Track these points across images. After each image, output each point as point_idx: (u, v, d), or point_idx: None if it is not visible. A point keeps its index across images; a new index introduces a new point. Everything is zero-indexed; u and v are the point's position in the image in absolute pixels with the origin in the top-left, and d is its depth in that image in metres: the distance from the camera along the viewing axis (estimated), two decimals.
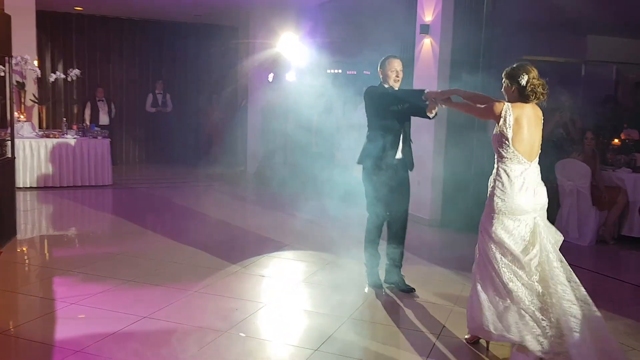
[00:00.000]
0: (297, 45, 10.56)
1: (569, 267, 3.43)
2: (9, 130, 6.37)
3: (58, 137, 9.52)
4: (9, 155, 6.13)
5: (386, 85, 4.68)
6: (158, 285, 4.73)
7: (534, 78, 3.46)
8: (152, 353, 3.49)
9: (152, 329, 3.87)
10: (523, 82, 3.45)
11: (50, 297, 4.46)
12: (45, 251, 6.13)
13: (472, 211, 7.18)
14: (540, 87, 3.46)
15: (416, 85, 7.78)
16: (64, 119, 10.49)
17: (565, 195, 7.00)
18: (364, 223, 4.83)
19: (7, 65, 6.45)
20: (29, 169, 9.23)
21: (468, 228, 7.02)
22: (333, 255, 5.76)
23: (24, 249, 5.98)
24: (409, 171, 4.77)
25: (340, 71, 11.39)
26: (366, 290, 4.75)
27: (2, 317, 4.02)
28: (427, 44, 7.54)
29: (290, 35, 10.60)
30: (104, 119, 12.18)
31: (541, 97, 3.49)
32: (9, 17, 6.03)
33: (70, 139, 9.56)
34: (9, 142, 6.14)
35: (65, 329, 3.83)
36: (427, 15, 7.49)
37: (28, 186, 9.11)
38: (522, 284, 3.37)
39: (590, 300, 3.33)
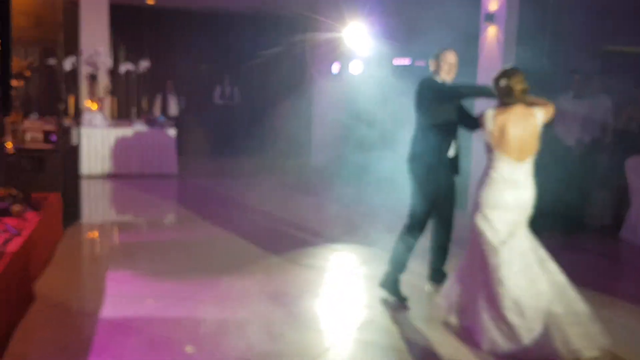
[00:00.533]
0: (364, 36, 10.45)
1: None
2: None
3: (126, 127, 9.87)
4: (74, 142, 6.39)
5: (439, 79, 4.48)
6: (209, 272, 4.80)
7: (516, 82, 3.60)
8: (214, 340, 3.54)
9: (206, 315, 3.93)
10: (502, 84, 3.63)
11: (102, 275, 4.62)
12: (104, 234, 6.35)
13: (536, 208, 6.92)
14: (519, 91, 3.60)
15: (480, 76, 7.53)
16: (134, 109, 10.86)
17: (636, 194, 6.57)
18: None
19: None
20: (100, 158, 9.62)
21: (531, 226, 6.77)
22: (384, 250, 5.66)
23: (85, 231, 6.23)
24: (456, 175, 4.55)
25: (408, 62, 11.21)
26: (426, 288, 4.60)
27: (59, 289, 4.20)
28: (491, 33, 7.26)
29: (356, 25, 10.50)
30: (173, 111, 12.56)
31: (519, 100, 3.62)
32: (76, 12, 6.23)
33: (138, 129, 9.90)
34: (74, 130, 6.40)
35: (115, 306, 3.95)
36: (492, 3, 7.21)
37: (99, 173, 9.50)
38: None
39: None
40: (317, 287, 4.64)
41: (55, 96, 6.05)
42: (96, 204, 7.74)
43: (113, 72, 11.19)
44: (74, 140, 6.34)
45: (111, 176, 9.54)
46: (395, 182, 7.24)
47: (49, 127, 5.87)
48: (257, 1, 11.81)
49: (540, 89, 6.53)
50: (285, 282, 4.67)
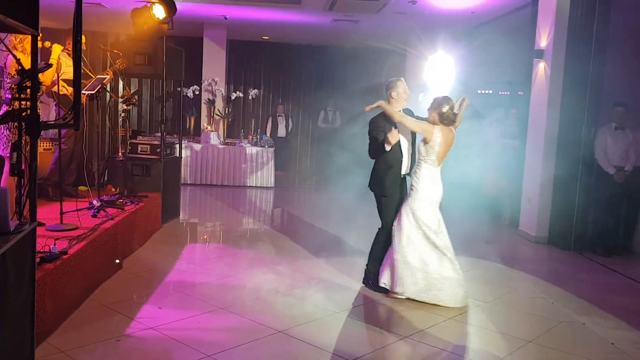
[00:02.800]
0: (449, 66, 11.26)
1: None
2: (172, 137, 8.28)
3: (234, 145, 11.56)
4: (177, 155, 8.04)
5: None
6: (275, 256, 6.06)
7: (450, 109, 4.69)
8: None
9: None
10: (444, 110, 4.70)
11: (179, 255, 6.06)
12: (193, 228, 7.88)
13: (578, 229, 7.37)
14: (452, 116, 4.75)
15: (532, 109, 8.12)
16: (242, 130, 12.58)
17: None
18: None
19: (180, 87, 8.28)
20: (214, 170, 11.35)
21: (572, 246, 7.27)
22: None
23: (179, 225, 7.81)
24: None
25: (491, 92, 11.82)
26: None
27: (142, 263, 5.67)
28: (541, 69, 7.86)
29: (442, 56, 11.36)
30: (281, 132, 14.17)
31: (451, 123, 4.78)
32: (181, 51, 7.89)
33: (244, 147, 11.54)
34: (177, 145, 8.04)
35: (179, 275, 5.32)
36: (543, 40, 7.83)
37: (211, 183, 11.24)
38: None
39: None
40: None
41: (175, 117, 7.70)
42: (196, 206, 9.39)
43: (228, 98, 13.03)
44: (176, 153, 7.98)
45: (218, 186, 11.25)
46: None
47: (155, 142, 7.53)
48: (358, 36, 13.07)
49: (584, 119, 7.14)
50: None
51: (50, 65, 4.87)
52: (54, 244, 4.23)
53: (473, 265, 6.35)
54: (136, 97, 6.72)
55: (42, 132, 5.94)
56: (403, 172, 5.10)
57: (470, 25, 11.16)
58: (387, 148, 4.83)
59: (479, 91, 11.56)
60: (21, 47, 5.06)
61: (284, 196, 11.02)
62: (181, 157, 8.24)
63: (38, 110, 3.43)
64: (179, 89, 12.21)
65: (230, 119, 13.13)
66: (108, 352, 3.69)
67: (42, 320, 3.72)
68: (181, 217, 8.15)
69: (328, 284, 5.40)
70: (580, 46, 7.32)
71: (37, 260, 3.89)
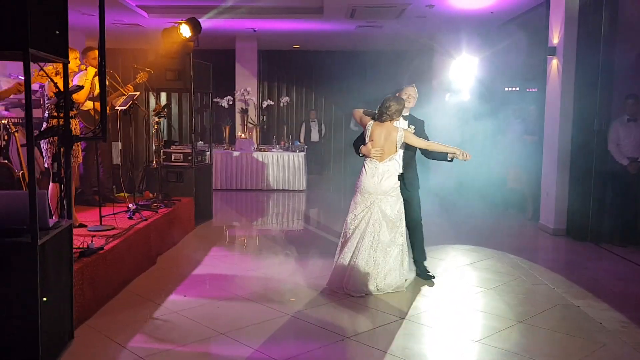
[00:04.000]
0: (475, 65, 11.56)
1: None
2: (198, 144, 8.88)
3: (267, 151, 12.13)
4: (208, 162, 8.65)
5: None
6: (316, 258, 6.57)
7: (390, 106, 5.08)
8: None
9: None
10: (382, 107, 5.13)
11: (206, 253, 6.62)
12: (226, 230, 8.46)
13: (594, 221, 7.56)
14: (394, 112, 5.16)
15: (547, 105, 8.35)
16: (275, 136, 13.15)
17: None
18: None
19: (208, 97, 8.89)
20: (248, 176, 11.94)
21: (588, 237, 7.48)
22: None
23: (211, 227, 8.39)
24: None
25: (517, 88, 12.00)
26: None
27: (173, 260, 6.25)
28: (554, 65, 8.10)
29: (467, 57, 11.66)
30: (314, 137, 14.68)
31: (388, 119, 5.18)
32: (208, 66, 8.50)
33: (276, 152, 12.10)
34: (207, 153, 8.66)
35: (204, 269, 5.88)
36: (555, 37, 8.06)
37: (245, 188, 11.85)
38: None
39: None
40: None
41: (209, 127, 8.31)
42: (229, 209, 9.99)
43: (260, 106, 13.65)
44: (207, 160, 8.59)
45: (252, 190, 11.83)
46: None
47: (187, 150, 8.15)
48: (384, 40, 13.47)
49: (596, 112, 7.35)
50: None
51: (81, 87, 5.47)
52: (92, 241, 4.84)
53: (486, 256, 6.68)
54: (166, 110, 7.32)
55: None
56: (400, 170, 5.47)
57: (493, 25, 11.41)
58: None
59: (506, 88, 11.78)
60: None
61: (315, 199, 11.51)
62: (212, 164, 8.84)
63: (72, 126, 4.03)
64: (217, 99, 12.97)
65: (264, 127, 13.75)
66: (136, 331, 4.24)
67: (82, 305, 4.31)
68: (214, 219, 8.75)
69: None
70: (590, 41, 7.53)
71: (77, 254, 4.51)
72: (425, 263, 5.76)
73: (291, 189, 11.95)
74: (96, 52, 6.67)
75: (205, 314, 4.59)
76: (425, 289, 5.41)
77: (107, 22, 11.56)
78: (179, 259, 6.44)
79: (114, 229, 5.65)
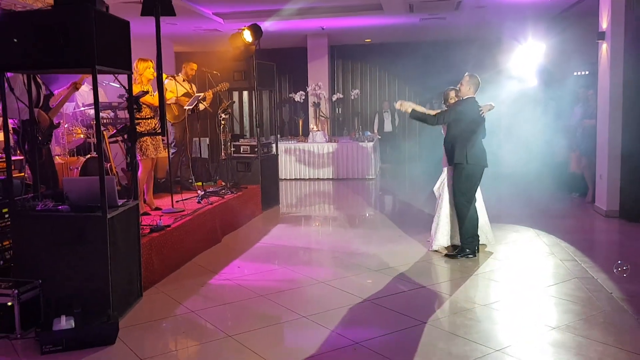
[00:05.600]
0: (542, 51, 11.67)
1: None
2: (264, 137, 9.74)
3: (337, 142, 12.83)
4: (274, 153, 9.51)
5: None
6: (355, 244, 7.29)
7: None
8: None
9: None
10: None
11: (266, 233, 7.44)
12: (290, 214, 9.23)
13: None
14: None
15: (599, 89, 8.45)
16: (346, 128, 13.83)
17: None
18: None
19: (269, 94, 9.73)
20: (323, 165, 12.69)
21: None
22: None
23: (277, 212, 9.23)
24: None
25: (587, 72, 11.92)
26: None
27: (237, 239, 7.12)
28: (604, 50, 8.19)
29: (533, 44, 11.76)
30: (388, 127, 15.22)
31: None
32: (272, 65, 9.32)
33: (347, 143, 12.77)
34: (273, 145, 9.51)
35: (261, 247, 6.71)
36: (604, 22, 8.15)
37: (317, 178, 12.64)
38: None
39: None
40: None
41: (280, 121, 9.19)
42: (297, 197, 10.82)
43: (331, 100, 14.38)
44: (273, 151, 9.45)
45: (324, 179, 12.59)
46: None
47: (253, 143, 9.05)
48: (450, 31, 13.75)
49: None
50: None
51: (146, 92, 6.37)
52: (160, 220, 5.79)
53: (531, 237, 6.99)
54: (231, 107, 8.25)
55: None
56: None
57: (555, 11, 11.41)
58: None
59: (575, 73, 11.77)
60: (139, 79, 6.66)
61: (385, 186, 12.07)
62: (277, 155, 9.69)
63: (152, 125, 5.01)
64: (291, 94, 13.87)
65: (340, 119, 14.47)
66: (193, 292, 5.12)
67: (151, 271, 5.25)
68: (281, 205, 9.60)
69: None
70: (638, 24, 7.58)
71: (148, 230, 5.46)
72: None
73: (360, 177, 12.58)
74: (191, 64, 7.91)
75: (253, 281, 5.41)
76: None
77: (189, 29, 12.77)
78: (242, 237, 7.33)
79: (183, 211, 6.60)
